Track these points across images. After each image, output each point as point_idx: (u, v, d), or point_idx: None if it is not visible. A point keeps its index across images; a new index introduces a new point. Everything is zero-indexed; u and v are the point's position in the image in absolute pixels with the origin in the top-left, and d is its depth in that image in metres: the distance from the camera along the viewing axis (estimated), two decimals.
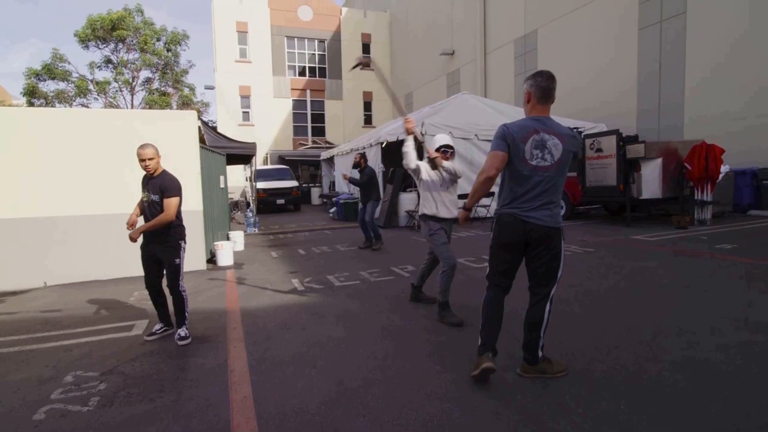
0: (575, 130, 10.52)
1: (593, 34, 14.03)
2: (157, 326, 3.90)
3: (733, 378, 2.65)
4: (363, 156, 8.63)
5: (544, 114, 2.65)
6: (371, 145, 13.90)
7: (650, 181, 8.97)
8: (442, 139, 4.33)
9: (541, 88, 2.60)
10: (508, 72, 18.27)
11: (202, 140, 8.81)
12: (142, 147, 3.74)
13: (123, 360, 3.36)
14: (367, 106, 28.29)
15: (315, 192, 21.91)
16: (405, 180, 11.99)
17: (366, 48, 28.14)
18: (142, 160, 3.71)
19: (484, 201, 11.34)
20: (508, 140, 2.59)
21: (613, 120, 12.85)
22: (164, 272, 3.83)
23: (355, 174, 8.81)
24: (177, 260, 3.80)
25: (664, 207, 10.53)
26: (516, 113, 13.58)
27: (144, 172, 3.80)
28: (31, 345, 3.80)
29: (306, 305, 4.64)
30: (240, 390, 2.77)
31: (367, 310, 4.37)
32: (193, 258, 6.61)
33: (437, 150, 4.21)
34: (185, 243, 3.90)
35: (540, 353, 2.73)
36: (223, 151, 9.32)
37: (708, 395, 2.46)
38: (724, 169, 9.06)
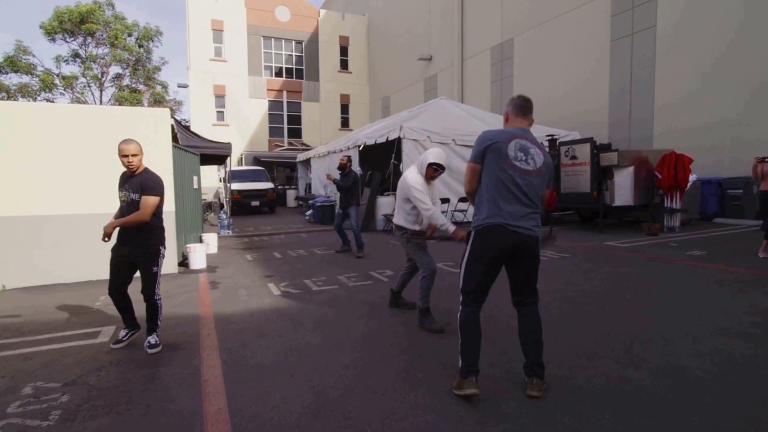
0: (550, 137, 10.71)
1: (567, 45, 14.36)
2: (123, 332, 3.66)
3: (711, 384, 2.68)
4: (350, 159, 8.46)
5: (523, 126, 2.71)
6: (348, 148, 13.81)
7: (623, 188, 9.19)
8: (436, 155, 3.93)
9: (516, 105, 2.71)
10: (484, 78, 18.50)
11: (175, 139, 8.55)
12: (125, 142, 3.49)
13: (87, 369, 3.16)
14: (345, 108, 28.19)
15: (291, 194, 21.62)
16: (382, 183, 11.95)
17: (344, 51, 28.07)
18: (124, 156, 3.46)
19: (461, 206, 11.41)
20: (485, 146, 2.60)
21: (585, 129, 13.14)
22: (134, 277, 3.61)
23: (337, 176, 8.60)
24: (155, 268, 3.56)
25: (634, 214, 10.81)
26: (493, 119, 13.75)
27: (121, 170, 3.58)
28: None
29: (283, 311, 4.51)
30: (214, 401, 2.64)
31: (346, 316, 4.27)
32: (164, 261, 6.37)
33: (429, 166, 3.88)
34: (165, 249, 3.69)
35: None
36: (197, 150, 9.07)
37: (689, 403, 2.48)
38: (692, 178, 9.36)
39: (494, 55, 17.86)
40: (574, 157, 9.71)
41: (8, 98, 19.32)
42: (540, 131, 12.98)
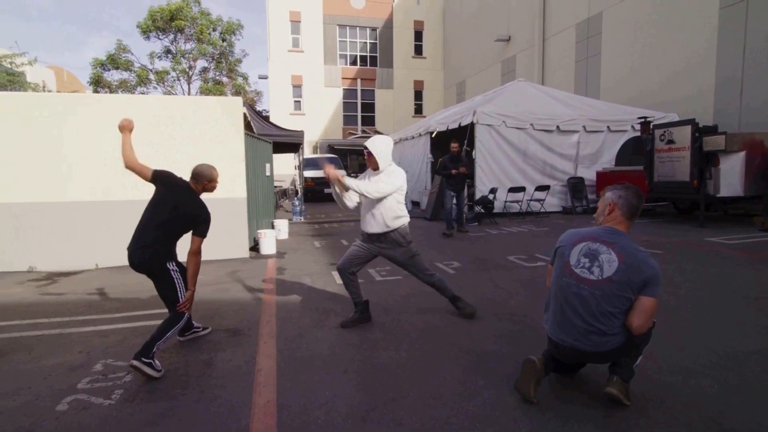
0: (643, 119, 9.66)
1: (666, 15, 12.80)
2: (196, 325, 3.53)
3: None
4: (459, 144, 8.50)
5: (621, 228, 2.36)
6: (420, 135, 13.54)
7: (730, 177, 8.04)
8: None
9: (631, 205, 2.37)
10: (568, 58, 17.19)
11: (249, 128, 8.81)
12: (214, 168, 3.32)
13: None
14: (418, 95, 27.80)
15: None
16: (472, 164, 11.53)
17: (418, 35, 27.58)
18: (211, 182, 3.27)
19: (537, 194, 10.71)
20: (555, 248, 2.52)
21: (685, 113, 11.68)
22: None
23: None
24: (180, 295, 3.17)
25: (743, 206, 9.47)
26: (576, 101, 12.74)
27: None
28: (70, 328, 3.82)
29: (343, 301, 4.41)
30: (264, 393, 2.57)
31: (407, 310, 4.08)
32: (236, 246, 6.60)
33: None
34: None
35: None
36: (270, 139, 9.29)
37: None
38: None
39: (580, 32, 16.48)
40: (671, 141, 8.65)
41: (110, 93, 21.32)
42: (632, 113, 11.82)
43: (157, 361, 2.84)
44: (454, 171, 8.13)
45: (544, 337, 2.58)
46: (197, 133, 6.31)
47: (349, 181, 3.43)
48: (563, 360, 2.46)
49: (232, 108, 6.50)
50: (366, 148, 3.52)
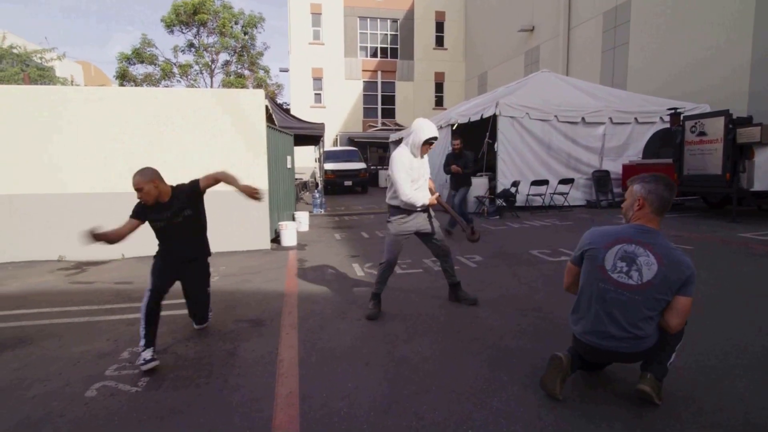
0: (673, 110, 9.35)
1: (698, 1, 12.32)
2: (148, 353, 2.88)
3: None
4: (461, 141, 7.90)
5: (653, 225, 2.23)
6: (441, 127, 13.39)
7: (765, 170, 7.72)
8: (429, 129, 3.57)
9: (661, 198, 2.23)
10: (594, 48, 16.74)
11: (271, 120, 8.86)
12: (138, 174, 3.09)
13: (178, 339, 3.32)
14: (439, 87, 27.54)
15: (383, 174, 21.76)
16: (476, 163, 11.41)
17: (440, 27, 27.27)
18: (137, 190, 3.06)
19: (561, 188, 10.51)
20: (583, 250, 2.38)
21: (718, 106, 11.26)
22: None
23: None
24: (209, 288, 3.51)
25: None
26: (602, 92, 12.42)
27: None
28: (99, 316, 3.91)
29: (364, 293, 4.40)
30: (287, 383, 2.59)
31: (428, 303, 4.05)
32: (257, 237, 6.66)
33: (425, 144, 3.60)
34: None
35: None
36: (290, 131, 9.33)
37: None
38: None
39: (607, 20, 16.02)
40: (702, 133, 8.36)
41: (135, 86, 21.74)
42: (661, 105, 11.45)
43: (146, 354, 2.83)
44: (454, 167, 7.72)
45: (568, 333, 2.52)
46: (220, 125, 6.36)
47: (417, 203, 3.69)
48: (594, 361, 2.40)
49: (255, 100, 6.53)
50: (432, 140, 3.66)
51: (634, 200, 2.30)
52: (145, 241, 3.57)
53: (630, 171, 10.64)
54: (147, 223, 3.17)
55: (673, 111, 9.41)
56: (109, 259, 6.18)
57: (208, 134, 6.34)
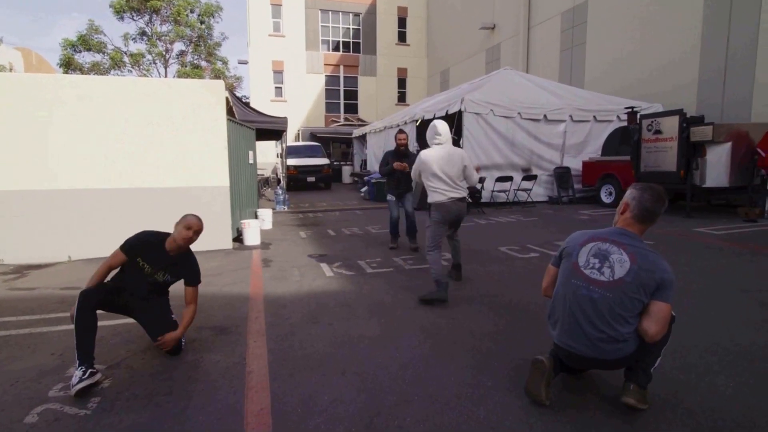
0: (630, 109, 9.65)
1: (651, 7, 12.79)
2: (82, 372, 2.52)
3: None
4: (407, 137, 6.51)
5: (630, 230, 2.21)
6: (405, 123, 13.31)
7: (716, 167, 8.09)
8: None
9: (644, 208, 2.18)
10: (553, 47, 17.12)
11: (231, 113, 8.47)
12: (196, 217, 2.95)
13: (133, 351, 3.03)
14: (402, 83, 27.46)
15: (346, 170, 21.48)
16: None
17: (402, 22, 27.16)
18: (188, 228, 2.88)
19: (524, 184, 10.66)
20: (562, 249, 2.37)
21: (669, 104, 11.72)
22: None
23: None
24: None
25: (726, 197, 9.58)
26: (563, 90, 12.69)
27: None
28: (42, 327, 3.54)
29: (335, 295, 4.23)
30: (257, 399, 2.38)
31: (403, 304, 3.92)
32: (218, 237, 6.32)
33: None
34: None
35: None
36: (253, 125, 8.96)
37: None
38: None
39: (565, 20, 16.41)
40: (658, 132, 8.65)
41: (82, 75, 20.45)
42: (618, 103, 11.82)
43: (78, 372, 2.50)
44: (398, 164, 5.95)
45: (545, 331, 2.47)
46: (178, 117, 5.97)
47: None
48: (573, 366, 2.34)
49: (215, 92, 6.17)
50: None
51: (621, 203, 2.28)
52: (94, 241, 3.24)
53: (590, 167, 10.94)
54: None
55: (630, 110, 9.70)
56: (54, 262, 5.69)
57: (164, 127, 5.94)
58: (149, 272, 2.92)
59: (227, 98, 6.97)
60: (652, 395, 2.25)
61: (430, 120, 11.73)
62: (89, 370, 2.51)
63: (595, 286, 2.11)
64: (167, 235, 2.95)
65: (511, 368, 2.66)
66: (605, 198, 10.45)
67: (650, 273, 2.05)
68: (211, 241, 6.26)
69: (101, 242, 5.80)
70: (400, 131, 6.46)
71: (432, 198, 4.06)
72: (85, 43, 20.37)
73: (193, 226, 2.90)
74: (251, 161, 8.45)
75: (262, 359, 2.87)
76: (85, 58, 21.20)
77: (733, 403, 2.24)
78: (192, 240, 2.92)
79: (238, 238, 6.93)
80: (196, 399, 2.41)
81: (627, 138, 9.76)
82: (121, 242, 2.90)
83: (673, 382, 2.45)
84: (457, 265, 4.70)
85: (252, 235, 6.75)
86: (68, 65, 20.58)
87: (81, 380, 2.45)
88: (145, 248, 2.89)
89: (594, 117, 11.62)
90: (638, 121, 9.17)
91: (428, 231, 4.12)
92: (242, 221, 6.84)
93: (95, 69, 21.09)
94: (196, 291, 3.06)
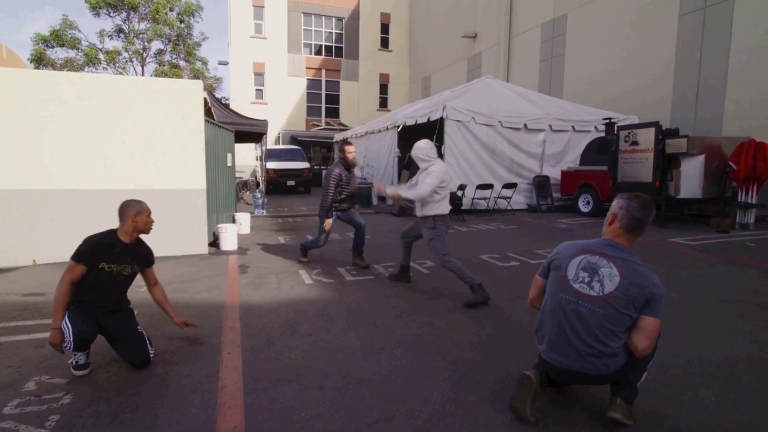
0: (607, 120, 9.82)
1: (628, 21, 13.11)
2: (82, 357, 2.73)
3: None
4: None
5: (622, 242, 2.17)
6: (387, 129, 13.28)
7: (690, 179, 8.27)
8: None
9: (632, 217, 2.14)
10: (533, 57, 17.39)
11: (209, 114, 8.27)
12: (144, 203, 2.95)
13: (98, 363, 2.85)
14: (383, 88, 27.48)
15: None
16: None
17: (385, 28, 27.23)
18: (150, 215, 2.94)
19: (505, 192, 10.73)
20: (550, 260, 2.33)
21: (644, 115, 11.99)
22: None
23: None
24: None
25: (698, 208, 9.83)
26: (544, 101, 12.85)
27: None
28: (0, 337, 3.32)
29: (314, 303, 4.11)
30: (230, 416, 2.26)
31: (384, 314, 3.83)
32: (194, 241, 6.14)
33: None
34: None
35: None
36: (232, 127, 8.77)
37: None
38: None
39: (545, 32, 16.69)
40: (635, 143, 8.82)
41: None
42: (596, 114, 12.03)
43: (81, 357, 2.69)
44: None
45: (528, 342, 2.42)
46: (152, 117, 5.78)
47: (404, 194, 4.17)
48: (560, 381, 2.29)
49: (192, 91, 5.99)
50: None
51: (609, 214, 2.24)
52: (60, 245, 3.06)
53: (568, 177, 11.08)
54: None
55: (608, 120, 9.88)
56: (17, 266, 5.41)
57: (139, 127, 5.73)
58: (116, 271, 2.82)
59: (205, 99, 6.78)
60: (637, 410, 2.22)
61: (412, 126, 11.76)
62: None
63: (585, 300, 2.08)
64: (113, 230, 2.90)
65: (495, 381, 2.60)
66: (583, 207, 10.59)
67: (640, 288, 2.02)
68: (186, 245, 6.09)
69: (67, 245, 5.57)
70: (348, 143, 5.50)
71: (440, 209, 4.15)
72: (58, 38, 19.73)
73: (150, 212, 2.95)
74: (229, 164, 8.25)
75: (237, 372, 2.74)
76: (58, 54, 20.57)
77: (716, 417, 2.23)
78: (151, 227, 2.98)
79: (214, 242, 6.73)
80: (164, 417, 2.26)
81: (604, 148, 9.92)
82: (72, 254, 2.74)
83: (657, 396, 2.43)
84: (408, 267, 4.87)
85: (229, 239, 6.57)
86: (40, 60, 19.89)
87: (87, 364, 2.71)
88: (102, 250, 2.77)
89: (573, 127, 11.80)
90: (615, 132, 9.34)
91: (437, 243, 4.17)
92: (219, 225, 6.65)
93: (68, 65, 20.44)
94: (153, 270, 3.15)
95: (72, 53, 20.61)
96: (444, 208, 4.18)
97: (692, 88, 11.19)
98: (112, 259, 2.80)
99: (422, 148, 4.17)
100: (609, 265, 2.08)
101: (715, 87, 10.63)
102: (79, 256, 2.71)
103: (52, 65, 20.16)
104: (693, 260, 5.83)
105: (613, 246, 2.15)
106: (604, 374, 2.09)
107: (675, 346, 3.09)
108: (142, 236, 3.01)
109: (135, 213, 2.85)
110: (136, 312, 3.06)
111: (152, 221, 2.95)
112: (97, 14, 20.59)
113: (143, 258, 3.03)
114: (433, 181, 4.01)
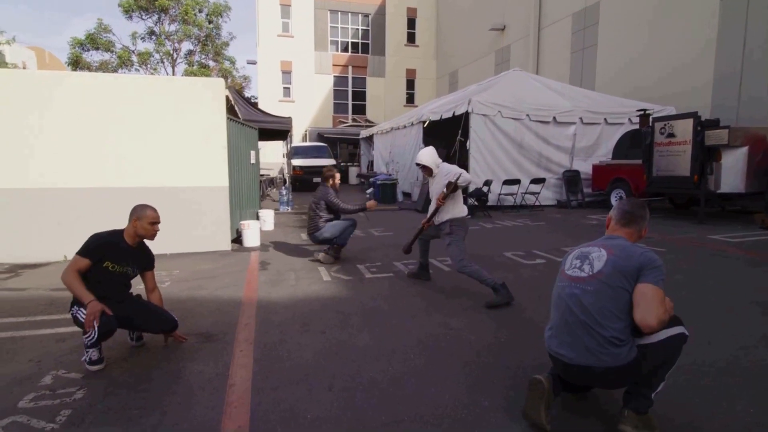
0: (642, 111, 9.40)
1: (664, 7, 12.50)
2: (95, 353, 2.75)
3: None
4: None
5: (619, 234, 2.19)
6: (412, 124, 13.15)
7: (732, 172, 7.80)
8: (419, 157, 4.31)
9: (623, 211, 2.23)
10: (564, 49, 16.85)
11: (233, 112, 8.36)
12: (153, 209, 2.98)
13: (113, 359, 2.88)
14: (410, 84, 27.28)
15: (353, 171, 21.34)
16: (446, 161, 11.20)
17: (411, 23, 27.00)
18: (153, 224, 2.94)
19: (532, 187, 10.43)
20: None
21: (681, 99, 11.41)
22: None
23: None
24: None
25: (741, 203, 9.28)
26: (573, 92, 12.45)
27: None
28: (25, 330, 3.42)
29: (330, 301, 4.07)
30: (236, 416, 2.22)
31: (400, 313, 3.74)
32: (216, 238, 6.21)
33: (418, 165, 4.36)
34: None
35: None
36: (255, 125, 8.84)
37: None
38: None
39: (576, 22, 16.14)
40: (671, 135, 8.39)
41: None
42: (629, 106, 11.55)
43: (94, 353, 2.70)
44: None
45: None
46: (175, 115, 5.86)
47: (449, 187, 4.02)
48: (571, 381, 2.15)
49: (214, 89, 6.04)
50: (418, 164, 4.28)
51: (606, 219, 2.35)
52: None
53: (600, 171, 10.68)
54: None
55: (642, 112, 9.44)
56: (48, 262, 5.60)
57: (159, 125, 5.82)
58: (119, 270, 2.88)
59: (228, 97, 6.84)
60: (666, 421, 2.06)
61: (437, 121, 11.59)
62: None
63: (577, 282, 2.07)
64: (120, 231, 2.96)
65: (510, 386, 2.47)
66: (615, 203, 10.17)
67: (628, 259, 2.00)
68: (209, 242, 6.17)
69: None
70: (337, 171, 5.77)
71: (462, 212, 4.18)
72: (93, 42, 20.45)
73: (157, 220, 2.98)
74: (253, 161, 8.32)
75: (247, 370, 2.71)
76: (94, 57, 21.34)
77: (753, 431, 2.04)
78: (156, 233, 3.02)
79: (237, 239, 6.80)
80: (172, 414, 2.25)
81: (638, 141, 9.49)
82: (78, 249, 2.80)
83: (689, 407, 2.25)
84: (426, 265, 4.78)
85: (251, 236, 6.61)
86: (76, 64, 20.68)
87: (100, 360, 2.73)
88: (107, 249, 2.83)
89: (605, 119, 11.36)
90: (651, 124, 8.91)
91: (453, 249, 4.08)
92: (242, 222, 6.71)
93: (103, 67, 21.18)
94: (154, 274, 3.18)
95: (107, 56, 21.39)
96: (459, 210, 4.15)
97: (735, 68, 10.50)
98: (116, 259, 2.85)
99: (430, 154, 4.25)
100: (599, 250, 2.11)
101: (762, 64, 9.93)
102: (86, 251, 2.76)
103: (88, 68, 20.93)
104: (733, 259, 5.47)
105: (609, 238, 2.19)
106: (612, 368, 1.93)
107: (710, 352, 2.88)
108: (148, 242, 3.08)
109: (135, 218, 2.92)
110: (165, 283, 3.13)
111: (155, 229, 2.97)
112: (130, 17, 21.25)
113: (143, 262, 3.07)
114: (457, 170, 4.08)
